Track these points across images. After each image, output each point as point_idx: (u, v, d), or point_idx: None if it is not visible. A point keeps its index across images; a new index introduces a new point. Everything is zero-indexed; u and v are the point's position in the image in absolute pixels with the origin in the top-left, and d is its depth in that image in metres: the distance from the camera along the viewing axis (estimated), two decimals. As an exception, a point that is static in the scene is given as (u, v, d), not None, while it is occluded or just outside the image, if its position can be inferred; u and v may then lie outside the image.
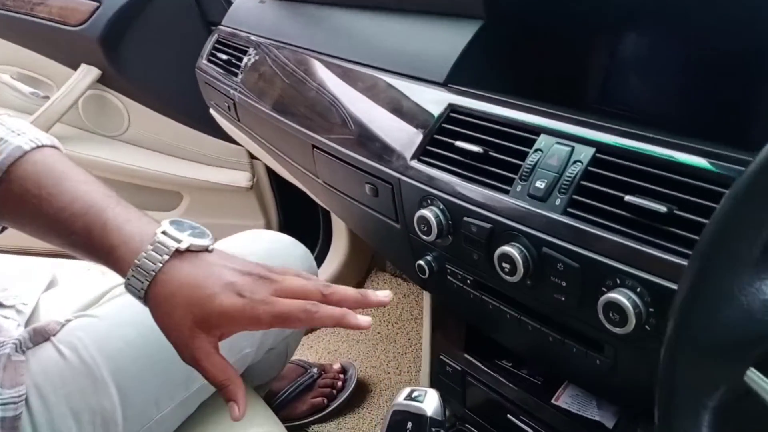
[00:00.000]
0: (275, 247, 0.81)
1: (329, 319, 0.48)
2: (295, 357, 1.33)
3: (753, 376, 0.30)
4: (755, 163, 0.29)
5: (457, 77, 0.69)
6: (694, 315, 0.30)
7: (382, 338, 1.44)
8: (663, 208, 0.47)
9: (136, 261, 0.47)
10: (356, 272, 1.53)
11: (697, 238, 0.46)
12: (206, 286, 0.47)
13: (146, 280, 0.47)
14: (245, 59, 1.00)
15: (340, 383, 1.24)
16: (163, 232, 0.49)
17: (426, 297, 0.80)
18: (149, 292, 0.48)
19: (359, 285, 1.57)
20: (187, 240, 0.49)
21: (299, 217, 1.51)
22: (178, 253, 0.48)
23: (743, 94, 0.60)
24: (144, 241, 0.48)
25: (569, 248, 0.52)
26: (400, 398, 0.57)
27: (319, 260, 1.49)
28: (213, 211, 1.46)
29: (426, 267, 0.68)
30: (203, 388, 0.70)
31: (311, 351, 1.42)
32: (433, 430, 0.55)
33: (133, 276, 0.48)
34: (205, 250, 0.50)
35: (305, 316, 0.47)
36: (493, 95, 0.65)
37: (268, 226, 1.51)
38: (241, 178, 1.41)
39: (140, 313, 0.50)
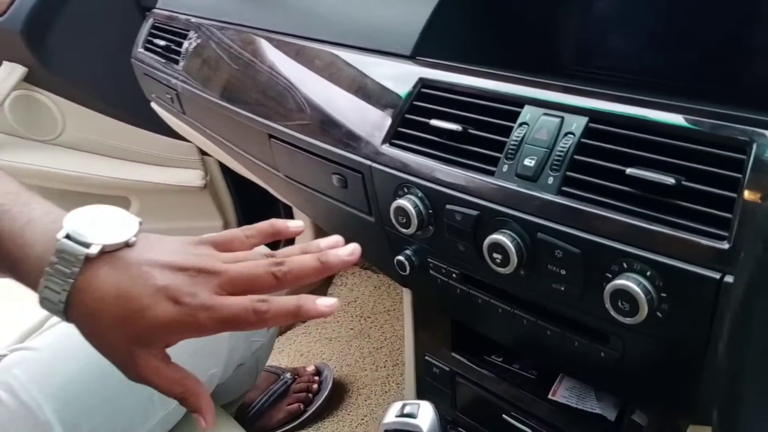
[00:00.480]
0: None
1: (284, 316, 0.40)
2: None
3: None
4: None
5: (425, 48, 0.62)
6: (759, 306, 0.25)
7: (355, 334, 1.38)
8: (670, 180, 0.42)
9: (42, 280, 0.39)
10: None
11: (712, 211, 0.42)
12: (133, 298, 0.39)
13: (60, 301, 0.39)
14: (186, 44, 0.90)
15: (315, 386, 1.18)
16: (67, 236, 0.39)
17: (406, 294, 0.73)
18: (68, 311, 0.39)
19: (327, 281, 1.51)
20: (98, 242, 0.39)
21: (259, 214, 1.43)
22: (90, 260, 0.39)
23: (733, 32, 0.56)
24: (47, 250, 0.39)
25: (567, 232, 0.47)
26: (391, 415, 0.51)
27: (284, 258, 1.42)
28: (165, 214, 1.37)
29: (406, 262, 0.61)
30: (165, 419, 0.62)
31: (282, 355, 1.35)
32: (430, 445, 0.49)
33: (44, 298, 0.39)
34: (125, 245, 0.41)
35: (256, 319, 0.40)
36: (468, 66, 0.59)
37: (226, 226, 1.42)
38: (193, 177, 1.31)
39: (85, 341, 0.42)
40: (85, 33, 1.20)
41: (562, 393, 0.62)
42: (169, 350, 0.54)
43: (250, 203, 1.42)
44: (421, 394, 0.74)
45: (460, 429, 0.72)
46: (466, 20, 0.64)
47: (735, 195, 0.40)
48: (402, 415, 0.50)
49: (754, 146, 0.41)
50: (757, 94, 0.54)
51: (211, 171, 1.33)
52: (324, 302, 0.41)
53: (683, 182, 0.43)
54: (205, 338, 0.66)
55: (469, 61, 0.60)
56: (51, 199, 0.45)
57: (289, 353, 1.35)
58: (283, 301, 0.41)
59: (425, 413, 0.50)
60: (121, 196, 1.35)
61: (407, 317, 0.74)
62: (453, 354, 0.69)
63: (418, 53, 0.62)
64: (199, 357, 0.65)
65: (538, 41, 0.67)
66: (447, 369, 0.70)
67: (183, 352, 0.64)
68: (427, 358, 0.72)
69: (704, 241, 0.41)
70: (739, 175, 0.41)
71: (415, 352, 0.74)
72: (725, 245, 0.40)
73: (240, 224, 1.45)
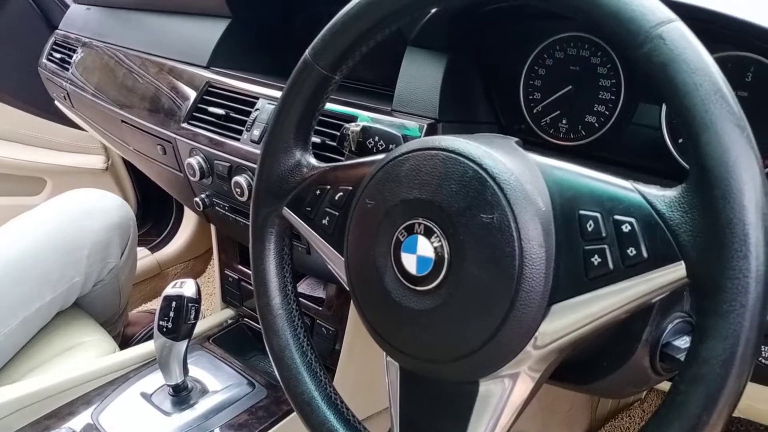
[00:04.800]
0: (95, 203, 0.95)
1: None
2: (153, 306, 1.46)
3: (285, 211, 0.50)
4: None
5: (216, 61, 0.87)
6: (263, 168, 0.50)
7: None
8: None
9: None
10: (209, 238, 1.68)
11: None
12: None
13: None
14: (74, 56, 1.12)
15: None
16: None
17: (213, 229, 0.98)
18: None
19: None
20: None
21: (155, 192, 1.63)
22: None
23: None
24: None
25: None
26: (169, 288, 0.75)
27: (175, 229, 1.62)
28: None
29: (200, 202, 0.85)
30: (25, 322, 0.82)
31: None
32: (190, 305, 0.74)
33: None
34: None
35: None
36: (240, 74, 0.84)
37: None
38: (96, 161, 1.51)
39: None
40: (6, 48, 1.38)
41: (303, 288, 0.88)
42: (38, 258, 0.73)
43: (148, 183, 1.61)
44: (224, 297, 0.99)
45: (246, 319, 0.96)
46: (245, 43, 0.90)
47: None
48: (174, 287, 0.74)
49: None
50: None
51: (112, 156, 1.53)
52: None
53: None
54: (67, 253, 0.88)
55: (249, 70, 0.85)
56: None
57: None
58: None
59: (189, 286, 0.74)
60: (38, 177, 1.53)
61: (214, 245, 0.98)
62: (240, 266, 0.94)
63: (211, 64, 0.87)
64: (63, 267, 0.86)
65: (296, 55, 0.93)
66: (236, 278, 0.95)
67: (52, 261, 0.85)
68: (225, 271, 0.96)
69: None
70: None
71: (219, 269, 0.98)
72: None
73: (139, 201, 1.65)
